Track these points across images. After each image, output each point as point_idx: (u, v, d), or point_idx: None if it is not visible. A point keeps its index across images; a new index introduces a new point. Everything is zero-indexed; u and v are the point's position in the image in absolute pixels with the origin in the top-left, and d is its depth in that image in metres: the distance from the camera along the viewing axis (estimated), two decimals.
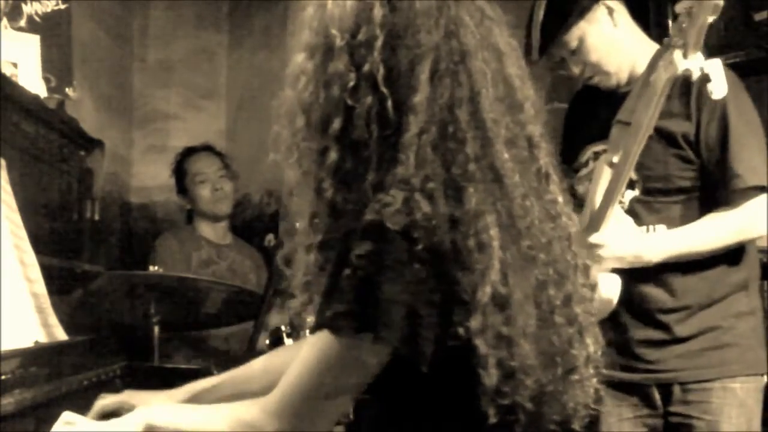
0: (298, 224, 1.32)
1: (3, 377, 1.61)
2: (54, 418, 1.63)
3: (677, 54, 2.09)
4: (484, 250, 1.20)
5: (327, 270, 1.27)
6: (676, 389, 2.32)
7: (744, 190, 2.26)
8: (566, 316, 1.32)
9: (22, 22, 3.07)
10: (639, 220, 2.33)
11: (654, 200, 2.33)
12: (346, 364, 1.21)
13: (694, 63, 2.07)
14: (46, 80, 3.13)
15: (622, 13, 2.42)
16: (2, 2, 2.92)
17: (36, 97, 2.81)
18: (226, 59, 4.77)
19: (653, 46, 2.38)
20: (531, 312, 1.25)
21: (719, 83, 2.05)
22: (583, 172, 2.45)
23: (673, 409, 2.32)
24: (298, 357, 1.27)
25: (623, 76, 2.41)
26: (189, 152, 3.90)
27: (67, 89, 3.22)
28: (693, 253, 2.28)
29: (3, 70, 2.75)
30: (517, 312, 1.22)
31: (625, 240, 2.24)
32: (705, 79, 2.05)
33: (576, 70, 2.41)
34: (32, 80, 2.98)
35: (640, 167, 2.30)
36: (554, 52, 2.41)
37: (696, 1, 2.01)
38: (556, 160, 1.39)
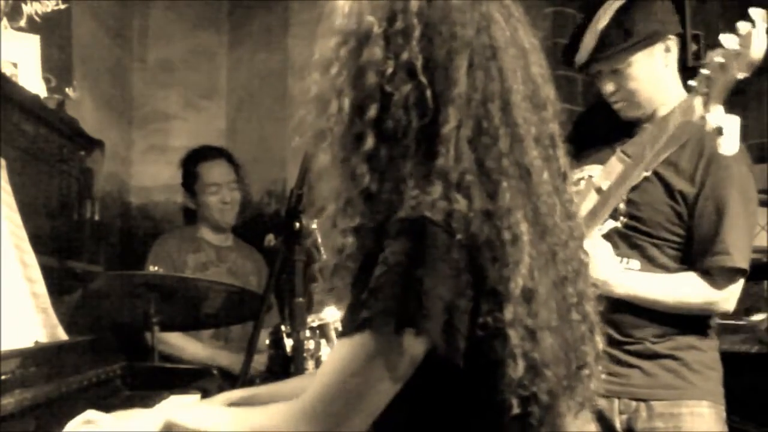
0: (328, 208, 1.30)
1: (3, 377, 1.61)
2: (54, 418, 1.63)
3: (698, 101, 2.07)
4: (517, 244, 1.22)
5: (356, 262, 1.26)
6: (642, 414, 2.31)
7: (729, 269, 2.28)
8: (580, 314, 1.34)
9: (22, 22, 3.07)
10: (614, 249, 2.32)
11: (634, 235, 2.33)
12: (384, 362, 1.20)
13: (713, 116, 2.04)
14: (46, 80, 3.13)
15: (674, 57, 2.39)
16: (2, 2, 2.92)
17: (36, 97, 2.82)
18: (226, 59, 4.77)
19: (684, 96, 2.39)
20: (552, 307, 1.27)
21: (731, 140, 2.03)
22: (573, 189, 2.44)
23: None
24: (327, 360, 1.25)
25: (648, 113, 2.38)
26: (204, 155, 3.81)
27: (67, 89, 3.22)
28: (657, 302, 2.30)
29: (3, 70, 2.75)
30: (541, 306, 1.24)
31: (600, 263, 2.22)
32: (718, 132, 2.03)
33: (609, 88, 2.37)
34: (32, 80, 2.98)
35: (631, 204, 2.32)
36: (602, 65, 2.37)
37: (732, 55, 1.98)
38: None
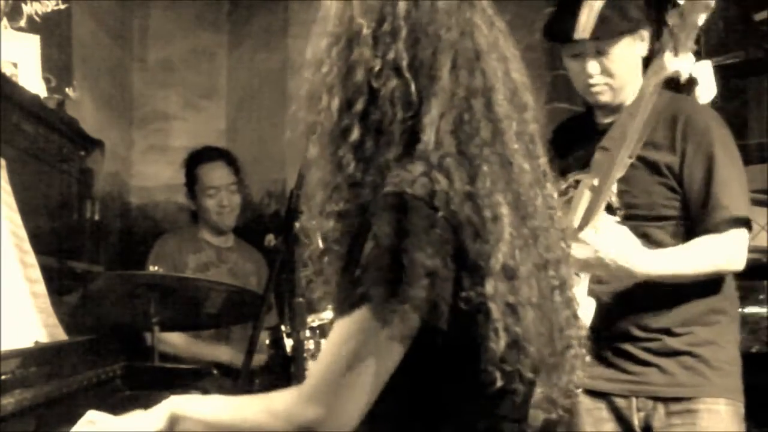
0: (316, 196, 1.37)
1: (3, 377, 1.61)
2: (54, 418, 1.63)
3: (667, 56, 2.13)
4: (497, 222, 1.28)
5: (343, 246, 1.31)
6: (660, 411, 2.32)
7: (729, 220, 2.30)
8: (563, 299, 1.41)
9: (22, 22, 3.07)
10: None
11: (636, 224, 2.34)
12: (382, 334, 1.23)
13: (684, 64, 2.11)
14: (46, 80, 3.13)
15: (646, 48, 2.45)
16: (2, 2, 2.92)
17: (36, 97, 2.82)
18: (226, 59, 4.77)
19: None
20: (534, 286, 1.32)
21: (708, 86, 2.07)
22: (563, 199, 2.46)
23: None
24: (327, 341, 1.29)
25: (618, 99, 2.43)
26: (203, 157, 3.81)
27: (67, 89, 3.23)
28: (678, 274, 2.30)
29: (3, 70, 2.75)
30: (523, 284, 1.30)
31: (619, 246, 2.24)
32: (693, 81, 2.07)
33: (594, 69, 2.40)
34: (32, 80, 2.99)
35: (624, 194, 2.34)
36: (590, 44, 2.38)
37: (688, 4, 2.05)
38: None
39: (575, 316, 1.44)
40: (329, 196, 1.35)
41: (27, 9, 3.10)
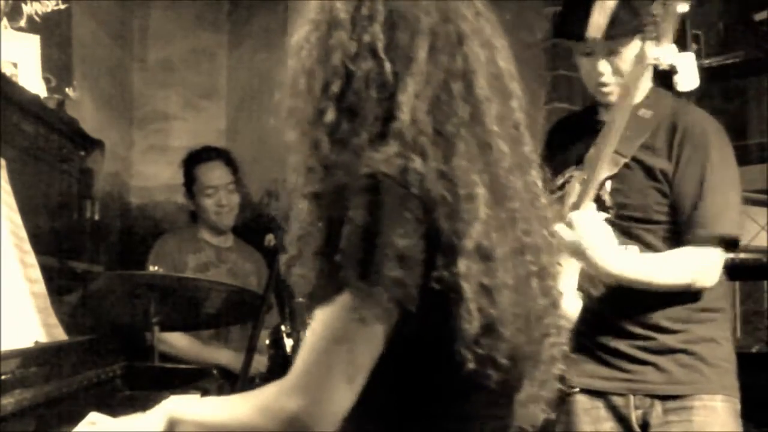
0: (295, 179, 1.37)
1: (3, 377, 1.61)
2: (54, 418, 1.63)
3: (648, 45, 2.18)
4: (472, 202, 1.27)
5: (320, 230, 1.30)
6: (657, 409, 2.33)
7: (710, 237, 2.29)
8: (541, 287, 1.38)
9: (22, 22, 3.07)
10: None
11: (628, 225, 2.35)
12: (355, 319, 1.22)
13: (664, 53, 2.15)
14: (46, 80, 3.13)
15: None
16: (2, 2, 2.92)
17: (36, 97, 2.82)
18: (226, 59, 4.77)
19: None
20: (510, 269, 1.30)
21: (688, 76, 2.09)
22: (557, 195, 2.46)
23: (652, 430, 2.33)
24: (309, 330, 1.28)
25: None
26: (202, 157, 3.81)
27: (67, 89, 3.23)
28: (649, 281, 2.30)
29: (3, 70, 2.75)
30: (499, 266, 1.28)
31: (596, 243, 2.23)
32: (672, 69, 2.10)
33: (606, 68, 2.39)
34: (32, 80, 2.99)
35: (617, 194, 2.34)
36: (602, 44, 2.37)
37: None
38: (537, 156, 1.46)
39: (554, 306, 1.41)
40: (305, 179, 1.35)
41: (27, 9, 3.10)
